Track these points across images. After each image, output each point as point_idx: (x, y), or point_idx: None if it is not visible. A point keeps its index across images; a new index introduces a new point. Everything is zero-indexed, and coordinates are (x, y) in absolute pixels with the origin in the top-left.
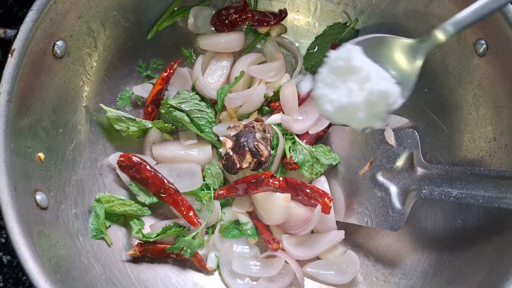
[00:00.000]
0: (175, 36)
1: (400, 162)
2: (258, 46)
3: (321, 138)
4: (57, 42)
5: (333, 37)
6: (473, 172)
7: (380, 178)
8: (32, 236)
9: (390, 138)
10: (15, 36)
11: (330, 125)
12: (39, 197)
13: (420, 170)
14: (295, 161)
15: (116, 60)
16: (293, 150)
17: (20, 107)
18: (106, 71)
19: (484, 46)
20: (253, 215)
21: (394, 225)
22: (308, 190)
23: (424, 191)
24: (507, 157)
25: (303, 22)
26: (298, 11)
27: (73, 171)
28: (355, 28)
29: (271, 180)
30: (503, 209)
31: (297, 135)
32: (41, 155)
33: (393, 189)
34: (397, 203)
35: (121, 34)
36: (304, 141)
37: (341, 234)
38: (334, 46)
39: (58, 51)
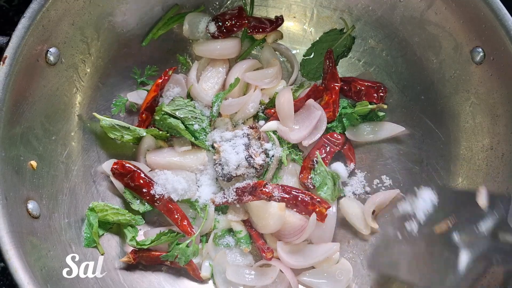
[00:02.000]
0: (170, 42)
1: (485, 227)
2: (254, 52)
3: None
4: (50, 49)
5: (329, 44)
6: None
7: (456, 238)
8: (23, 246)
9: (483, 201)
10: (7, 43)
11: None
12: (30, 205)
13: (505, 239)
14: (313, 182)
15: (110, 67)
16: (313, 171)
17: (12, 115)
18: (100, 78)
19: (481, 54)
20: (247, 223)
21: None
22: (306, 198)
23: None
24: (504, 167)
25: (299, 28)
26: (294, 17)
27: (66, 179)
28: (351, 35)
29: (264, 189)
30: None
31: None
32: (34, 163)
33: (465, 254)
34: (462, 268)
35: (115, 40)
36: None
37: (336, 246)
38: (330, 53)
39: (51, 58)
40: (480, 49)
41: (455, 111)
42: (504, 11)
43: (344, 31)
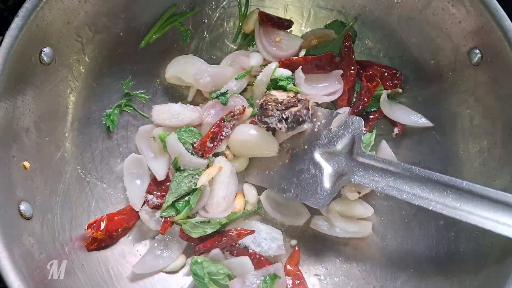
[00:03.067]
0: (166, 42)
1: (340, 146)
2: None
3: None
4: (44, 49)
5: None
6: (403, 168)
7: (318, 156)
8: (15, 248)
9: (335, 123)
10: (0, 43)
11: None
12: (23, 207)
13: (357, 157)
14: None
15: (105, 67)
16: None
17: (5, 114)
18: (95, 78)
19: (479, 55)
20: None
21: (319, 203)
22: None
23: (355, 177)
24: (501, 169)
25: (296, 29)
26: (291, 17)
27: (59, 180)
28: (353, 28)
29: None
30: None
31: None
32: (27, 163)
33: (327, 170)
34: (327, 183)
35: (110, 40)
36: None
37: None
38: (349, 37)
39: (45, 58)
40: (478, 51)
41: (452, 112)
42: (502, 12)
43: (346, 24)
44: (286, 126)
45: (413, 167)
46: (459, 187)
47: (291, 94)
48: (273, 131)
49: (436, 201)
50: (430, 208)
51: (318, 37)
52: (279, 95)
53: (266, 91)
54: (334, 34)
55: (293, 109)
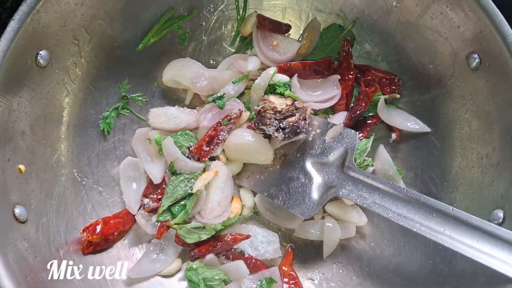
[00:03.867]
0: (164, 45)
1: (332, 157)
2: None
3: None
4: (41, 52)
5: (330, 40)
6: (392, 187)
7: (310, 166)
8: (9, 252)
9: (330, 134)
10: None
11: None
12: (18, 210)
13: (347, 171)
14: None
15: (102, 70)
16: None
17: (1, 117)
18: (92, 81)
19: (477, 60)
20: None
21: (305, 213)
22: None
23: (343, 190)
24: (499, 175)
25: (294, 32)
26: (289, 21)
27: (55, 183)
28: (352, 31)
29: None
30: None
31: None
32: (22, 167)
33: (317, 180)
34: (315, 194)
35: (107, 43)
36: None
37: None
38: (347, 42)
39: (42, 61)
40: (476, 55)
41: (450, 117)
42: (501, 17)
43: (344, 27)
44: (283, 135)
45: (402, 187)
46: (445, 211)
47: (289, 101)
48: (269, 137)
49: (421, 223)
50: (414, 230)
51: (308, 34)
52: (277, 103)
53: (263, 95)
54: (318, 22)
55: (291, 119)
